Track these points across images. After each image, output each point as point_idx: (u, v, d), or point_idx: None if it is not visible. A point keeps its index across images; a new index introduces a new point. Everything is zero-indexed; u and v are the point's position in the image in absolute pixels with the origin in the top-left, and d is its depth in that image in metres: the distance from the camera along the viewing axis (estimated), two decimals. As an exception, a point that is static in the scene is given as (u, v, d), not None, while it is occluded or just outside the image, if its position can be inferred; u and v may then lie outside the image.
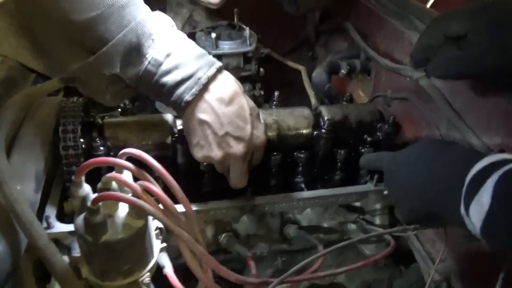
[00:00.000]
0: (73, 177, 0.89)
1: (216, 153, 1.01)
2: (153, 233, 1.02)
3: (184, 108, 0.98)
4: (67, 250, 1.05)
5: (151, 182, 0.89)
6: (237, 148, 1.01)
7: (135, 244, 0.91)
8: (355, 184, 1.32)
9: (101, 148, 1.10)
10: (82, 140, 1.07)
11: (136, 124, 1.18)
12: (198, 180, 1.26)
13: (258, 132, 1.08)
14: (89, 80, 1.01)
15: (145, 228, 0.92)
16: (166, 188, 0.95)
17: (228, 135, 0.99)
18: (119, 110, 1.31)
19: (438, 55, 0.94)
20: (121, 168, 0.90)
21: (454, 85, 1.11)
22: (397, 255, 1.42)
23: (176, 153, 1.17)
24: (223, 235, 1.29)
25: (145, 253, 0.98)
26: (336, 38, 1.93)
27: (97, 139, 1.11)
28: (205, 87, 0.97)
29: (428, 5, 1.61)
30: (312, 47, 2.17)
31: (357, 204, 1.41)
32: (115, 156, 0.97)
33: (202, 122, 0.98)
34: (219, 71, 1.00)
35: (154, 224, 1.03)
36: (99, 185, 0.92)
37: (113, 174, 0.89)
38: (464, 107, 1.08)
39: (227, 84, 1.01)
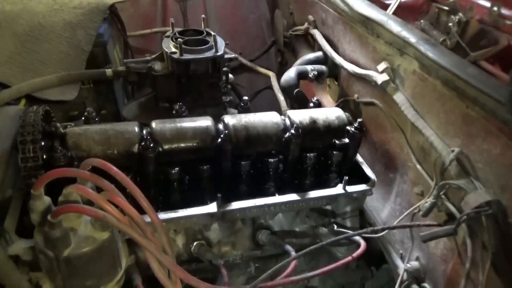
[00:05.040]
0: (31, 190, 0.85)
1: None
2: (120, 244, 0.99)
3: None
4: (28, 266, 1.00)
5: (115, 193, 0.86)
6: None
7: (100, 257, 0.88)
8: (325, 188, 1.33)
9: (63, 158, 1.06)
10: (42, 150, 1.02)
11: (100, 133, 1.14)
12: (168, 188, 1.23)
13: None
14: None
15: (110, 240, 0.89)
16: (133, 199, 0.92)
17: None
18: (83, 118, 1.26)
19: None
20: (83, 179, 0.87)
21: (416, 89, 1.15)
22: (369, 256, 1.44)
23: (143, 161, 1.14)
24: (195, 244, 1.27)
25: (111, 266, 0.94)
26: (304, 44, 1.95)
27: (59, 149, 1.06)
28: None
29: (391, 12, 1.66)
30: (281, 53, 2.20)
31: (328, 207, 1.43)
32: (78, 166, 0.93)
33: None
34: None
35: (122, 235, 0.99)
36: (61, 197, 0.88)
37: (75, 185, 0.86)
38: (425, 110, 1.12)
39: None
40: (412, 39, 1.15)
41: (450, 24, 1.46)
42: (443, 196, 1.03)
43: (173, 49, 1.54)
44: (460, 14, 1.47)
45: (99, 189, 0.87)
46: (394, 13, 1.66)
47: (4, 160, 1.04)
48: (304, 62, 1.72)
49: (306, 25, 1.83)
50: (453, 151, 1.01)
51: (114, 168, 0.82)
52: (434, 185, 1.04)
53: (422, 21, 1.59)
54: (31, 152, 1.01)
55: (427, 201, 1.03)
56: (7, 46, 1.62)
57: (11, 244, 0.96)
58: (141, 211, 0.90)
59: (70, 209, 0.80)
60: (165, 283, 0.87)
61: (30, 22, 1.68)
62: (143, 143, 1.14)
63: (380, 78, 1.25)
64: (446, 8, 1.52)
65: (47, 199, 0.86)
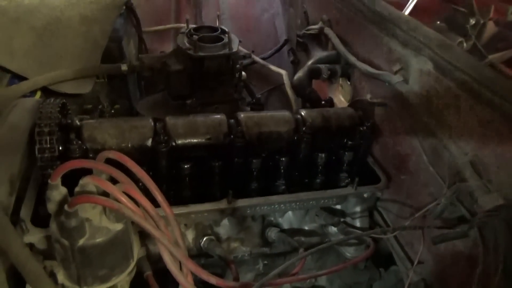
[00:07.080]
0: (49, 180, 0.87)
1: None
2: (133, 236, 1.00)
3: None
4: (42, 255, 1.02)
5: (130, 185, 0.88)
6: None
7: (114, 248, 0.90)
8: (336, 187, 1.33)
9: (78, 150, 1.08)
10: (58, 142, 1.04)
11: (115, 126, 1.16)
12: (179, 183, 1.25)
13: None
14: None
15: (124, 231, 0.90)
16: (147, 191, 0.93)
17: None
18: (98, 112, 1.28)
19: None
20: (99, 171, 0.88)
21: (431, 90, 1.14)
22: (377, 257, 1.44)
23: (156, 156, 1.16)
24: (204, 239, 1.28)
25: (124, 257, 0.96)
26: (317, 43, 1.95)
27: (75, 141, 1.08)
28: None
29: (406, 13, 1.65)
30: (293, 52, 2.20)
31: (338, 207, 1.43)
32: (93, 158, 0.95)
33: None
34: None
35: (135, 227, 1.01)
36: (77, 188, 0.89)
37: (91, 176, 0.87)
38: (440, 112, 1.11)
39: None
40: (428, 40, 1.14)
41: (467, 25, 1.45)
42: (455, 199, 1.02)
43: (188, 46, 1.55)
44: (477, 16, 1.46)
45: (114, 181, 0.89)
46: (410, 13, 1.65)
47: (22, 150, 1.06)
48: (317, 62, 1.72)
49: (320, 24, 1.82)
50: (466, 153, 1.00)
51: (130, 160, 0.84)
52: (446, 187, 1.04)
53: (438, 22, 1.58)
54: (48, 143, 1.03)
55: (439, 203, 1.03)
56: (25, 39, 1.65)
57: (26, 232, 0.98)
58: (155, 204, 0.91)
59: (87, 199, 0.82)
60: (177, 276, 0.88)
61: (48, 16, 1.71)
62: (156, 138, 1.16)
63: (394, 78, 1.24)
64: (463, 9, 1.52)
65: (63, 189, 0.87)
